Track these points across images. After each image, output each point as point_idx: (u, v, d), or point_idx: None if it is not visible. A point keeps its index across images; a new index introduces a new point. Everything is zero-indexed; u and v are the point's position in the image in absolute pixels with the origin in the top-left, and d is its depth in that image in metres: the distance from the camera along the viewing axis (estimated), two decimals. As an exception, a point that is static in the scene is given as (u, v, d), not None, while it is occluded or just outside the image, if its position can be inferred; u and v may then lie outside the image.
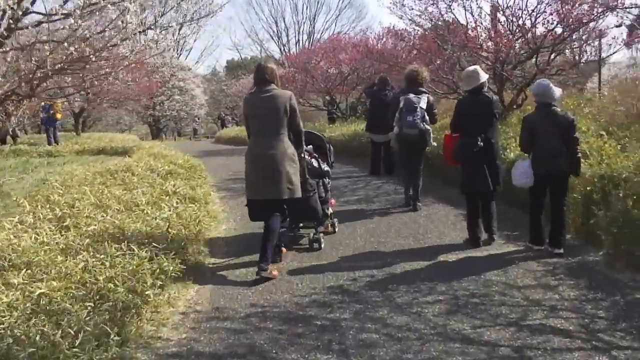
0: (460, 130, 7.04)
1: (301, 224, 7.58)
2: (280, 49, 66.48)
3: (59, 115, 20.98)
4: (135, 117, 49.06)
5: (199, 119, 53.64)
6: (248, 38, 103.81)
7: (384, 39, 19.01)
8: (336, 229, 7.87)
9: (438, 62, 12.91)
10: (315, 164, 7.37)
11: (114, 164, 12.71)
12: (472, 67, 7.34)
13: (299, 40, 59.43)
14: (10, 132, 19.98)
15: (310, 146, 7.50)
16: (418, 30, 13.90)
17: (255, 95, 6.23)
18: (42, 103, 19.81)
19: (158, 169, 11.22)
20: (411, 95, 8.75)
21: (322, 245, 7.12)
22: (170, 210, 7.64)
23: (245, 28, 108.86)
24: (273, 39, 69.45)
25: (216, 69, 73.81)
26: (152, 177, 10.38)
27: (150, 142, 34.02)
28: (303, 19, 69.22)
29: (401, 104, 8.75)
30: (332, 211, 7.89)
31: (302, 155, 6.55)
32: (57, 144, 20.06)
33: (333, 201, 8.08)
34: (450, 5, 12.25)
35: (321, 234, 7.28)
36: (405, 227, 8.07)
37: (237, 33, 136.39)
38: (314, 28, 60.42)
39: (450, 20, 12.70)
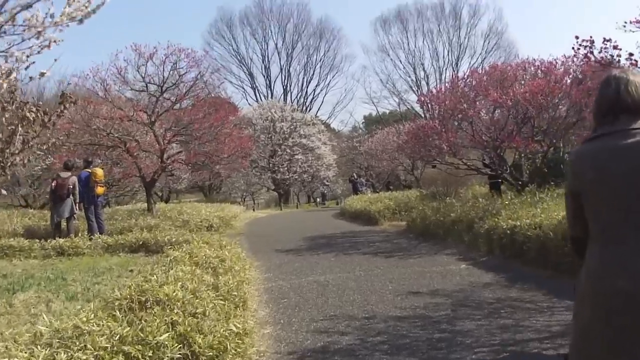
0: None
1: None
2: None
3: (100, 190, 15.53)
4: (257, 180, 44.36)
5: (327, 181, 48.36)
6: (384, 89, 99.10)
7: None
8: None
9: None
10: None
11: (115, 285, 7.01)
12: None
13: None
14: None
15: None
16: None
17: (604, 144, 2.64)
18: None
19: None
20: None
21: None
22: None
23: (380, 78, 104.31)
24: (412, 88, 64.82)
25: (357, 125, 69.26)
26: None
27: (250, 214, 29.40)
28: (444, 64, 64.00)
29: None
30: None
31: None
32: (71, 235, 14.47)
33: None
34: None
35: None
36: None
37: (372, 84, 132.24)
38: (457, 75, 53.13)
39: None
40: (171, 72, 20.53)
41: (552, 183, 14.22)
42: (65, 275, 9.90)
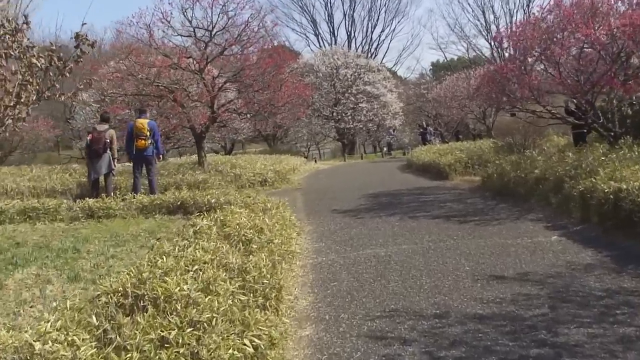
0: None
1: None
2: (491, 45, 58.82)
3: (141, 143, 14.09)
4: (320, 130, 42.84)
5: (394, 130, 46.45)
6: (452, 34, 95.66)
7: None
8: None
9: None
10: None
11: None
12: None
13: (511, 33, 49.10)
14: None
15: None
16: None
17: None
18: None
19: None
20: None
21: None
22: None
23: (448, 22, 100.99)
24: (482, 33, 62.28)
25: (424, 72, 66.83)
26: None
27: (311, 165, 27.66)
28: (515, 6, 60.98)
29: None
30: None
31: None
32: (110, 194, 13.15)
33: None
34: None
35: None
36: None
37: (440, 29, 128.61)
38: (529, 17, 50.30)
39: None
40: (220, 15, 18.94)
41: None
42: (83, 244, 8.58)
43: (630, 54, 11.57)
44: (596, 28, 11.49)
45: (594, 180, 9.23)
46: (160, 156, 14.86)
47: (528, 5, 59.14)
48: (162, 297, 4.40)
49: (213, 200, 10.88)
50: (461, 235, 8.92)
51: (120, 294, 4.58)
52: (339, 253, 8.14)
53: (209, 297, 4.50)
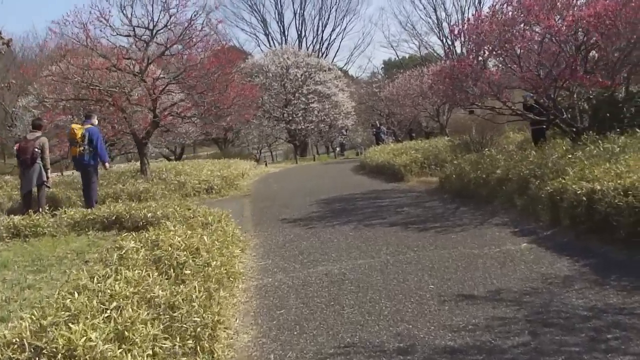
0: None
1: None
2: (443, 42, 58.78)
3: (73, 150, 13.05)
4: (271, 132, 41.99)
5: (346, 130, 45.77)
6: (404, 32, 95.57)
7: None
8: None
9: None
10: None
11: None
12: None
13: (464, 28, 48.95)
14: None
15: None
16: None
17: None
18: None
19: None
20: None
21: None
22: None
23: (399, 20, 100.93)
24: (434, 30, 62.40)
25: (376, 71, 66.49)
26: None
27: (261, 169, 26.33)
28: (466, 2, 61.16)
29: None
30: None
31: None
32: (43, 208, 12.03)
33: None
34: None
35: None
36: None
37: (391, 27, 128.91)
38: (480, 13, 49.76)
39: None
40: (162, 12, 17.92)
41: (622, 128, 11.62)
42: (0, 270, 7.58)
43: (594, 45, 10.99)
44: (557, 19, 10.87)
45: (563, 180, 8.55)
46: (105, 165, 13.67)
47: (479, 2, 59.20)
48: (63, 352, 3.52)
49: (150, 215, 9.92)
50: (422, 245, 8.15)
51: (15, 347, 3.68)
52: (288, 272, 7.29)
53: (123, 347, 3.63)
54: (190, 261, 5.94)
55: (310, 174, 23.86)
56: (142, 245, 6.48)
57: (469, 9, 60.05)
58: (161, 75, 18.82)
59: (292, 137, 43.26)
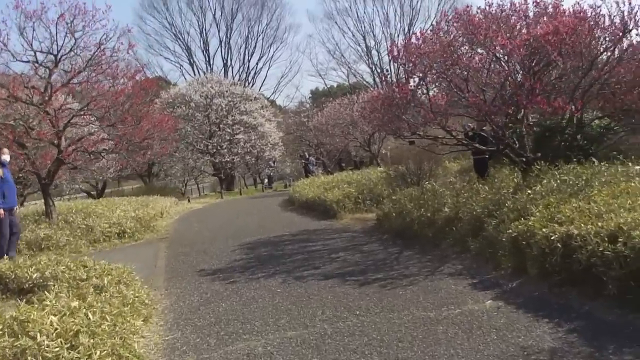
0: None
1: None
2: (372, 70, 58.37)
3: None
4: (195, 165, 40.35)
5: (274, 162, 44.40)
6: (332, 60, 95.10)
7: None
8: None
9: None
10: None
11: None
12: None
13: (394, 56, 48.56)
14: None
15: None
16: None
17: None
18: None
19: None
20: None
21: None
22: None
23: (328, 48, 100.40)
24: (363, 58, 61.89)
25: (304, 100, 65.58)
26: None
27: (184, 206, 24.49)
28: (396, 31, 61.21)
29: None
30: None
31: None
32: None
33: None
34: None
35: None
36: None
37: (319, 55, 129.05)
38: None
39: None
40: (67, 35, 16.19)
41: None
42: None
43: (550, 66, 9.91)
44: (507, 37, 9.73)
45: (530, 223, 7.27)
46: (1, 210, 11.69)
47: (409, 30, 59.14)
48: None
49: (36, 275, 8.16)
50: (365, 307, 6.71)
51: None
52: (200, 351, 5.71)
53: None
54: (66, 354, 4.39)
55: (235, 211, 22.25)
56: (1, 332, 4.87)
57: (398, 36, 59.90)
58: (67, 106, 17.05)
59: (217, 170, 41.58)
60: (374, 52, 61.58)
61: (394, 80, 12.31)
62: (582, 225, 6.39)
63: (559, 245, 6.36)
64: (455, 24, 10.67)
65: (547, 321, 5.59)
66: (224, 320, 6.79)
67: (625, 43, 10.00)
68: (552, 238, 6.50)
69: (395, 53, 10.83)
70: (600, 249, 5.81)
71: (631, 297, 5.48)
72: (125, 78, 17.04)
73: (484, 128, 13.24)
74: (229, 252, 11.59)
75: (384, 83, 12.79)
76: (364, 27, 64.17)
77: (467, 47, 10.47)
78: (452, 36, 10.62)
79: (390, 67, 37.50)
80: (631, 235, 5.64)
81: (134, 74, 17.45)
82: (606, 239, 5.89)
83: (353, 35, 65.24)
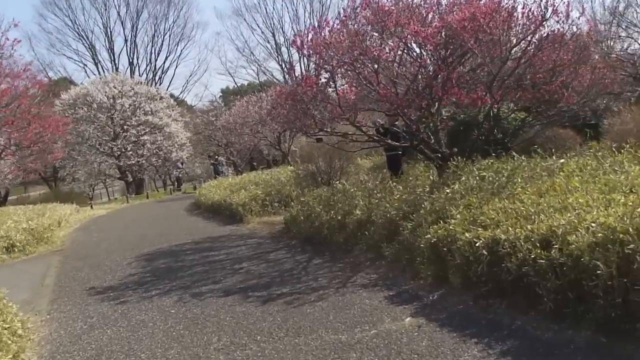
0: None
1: None
2: (282, 67, 57.67)
3: None
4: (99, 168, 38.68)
5: (182, 163, 42.99)
6: (242, 58, 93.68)
7: None
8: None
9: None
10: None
11: None
12: None
13: (304, 54, 48.01)
14: None
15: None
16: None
17: None
18: None
19: None
20: None
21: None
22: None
23: (236, 46, 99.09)
24: (272, 55, 60.91)
25: (214, 99, 64.16)
26: None
27: (86, 213, 23.15)
28: (305, 28, 60.37)
29: None
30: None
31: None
32: None
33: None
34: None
35: None
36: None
37: (228, 53, 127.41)
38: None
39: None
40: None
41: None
42: None
43: (465, 55, 9.25)
44: (419, 25, 9.02)
45: (450, 227, 6.52)
46: None
47: (319, 27, 58.59)
48: None
49: None
50: (268, 330, 5.81)
51: None
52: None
53: None
54: None
55: (140, 217, 20.97)
56: None
57: (308, 33, 59.25)
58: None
59: (122, 174, 39.90)
60: (283, 49, 60.71)
61: (303, 74, 11.52)
62: (510, 228, 5.67)
63: (485, 253, 5.64)
64: (363, 12, 9.86)
65: (476, 341, 4.85)
66: (106, 352, 5.80)
67: (545, 31, 9.45)
68: (476, 245, 5.77)
69: (299, 44, 10.00)
70: (532, 256, 5.11)
71: (569, 311, 4.80)
72: (9, 77, 15.69)
73: (396, 123, 12.58)
74: (124, 266, 10.52)
75: (291, 77, 11.90)
76: (273, 23, 63.12)
77: (377, 36, 9.69)
78: (360, 24, 9.83)
79: (300, 63, 36.93)
80: (567, 240, 4.95)
81: (19, 73, 16.08)
82: (538, 244, 5.19)
83: (262, 32, 64.19)
